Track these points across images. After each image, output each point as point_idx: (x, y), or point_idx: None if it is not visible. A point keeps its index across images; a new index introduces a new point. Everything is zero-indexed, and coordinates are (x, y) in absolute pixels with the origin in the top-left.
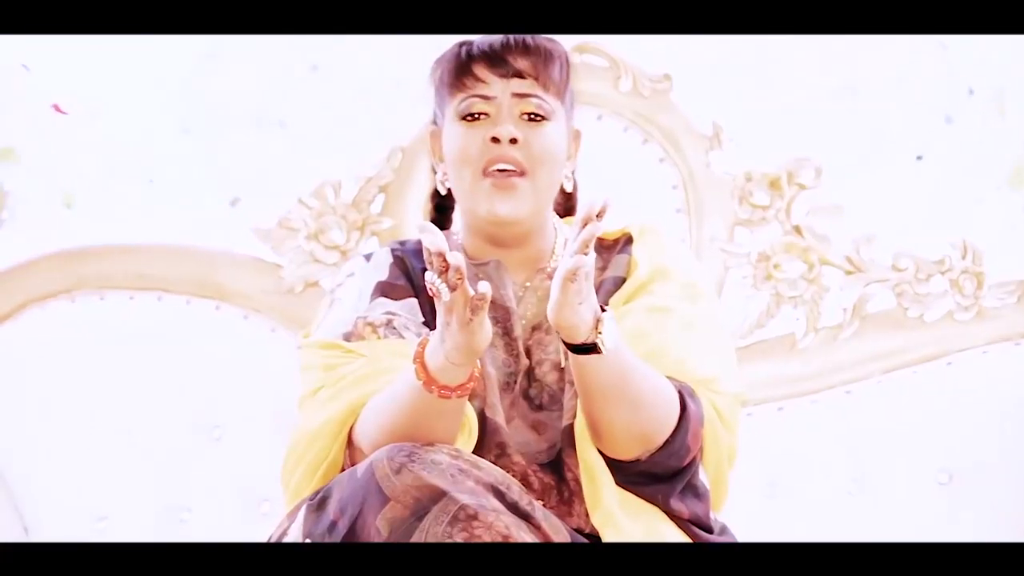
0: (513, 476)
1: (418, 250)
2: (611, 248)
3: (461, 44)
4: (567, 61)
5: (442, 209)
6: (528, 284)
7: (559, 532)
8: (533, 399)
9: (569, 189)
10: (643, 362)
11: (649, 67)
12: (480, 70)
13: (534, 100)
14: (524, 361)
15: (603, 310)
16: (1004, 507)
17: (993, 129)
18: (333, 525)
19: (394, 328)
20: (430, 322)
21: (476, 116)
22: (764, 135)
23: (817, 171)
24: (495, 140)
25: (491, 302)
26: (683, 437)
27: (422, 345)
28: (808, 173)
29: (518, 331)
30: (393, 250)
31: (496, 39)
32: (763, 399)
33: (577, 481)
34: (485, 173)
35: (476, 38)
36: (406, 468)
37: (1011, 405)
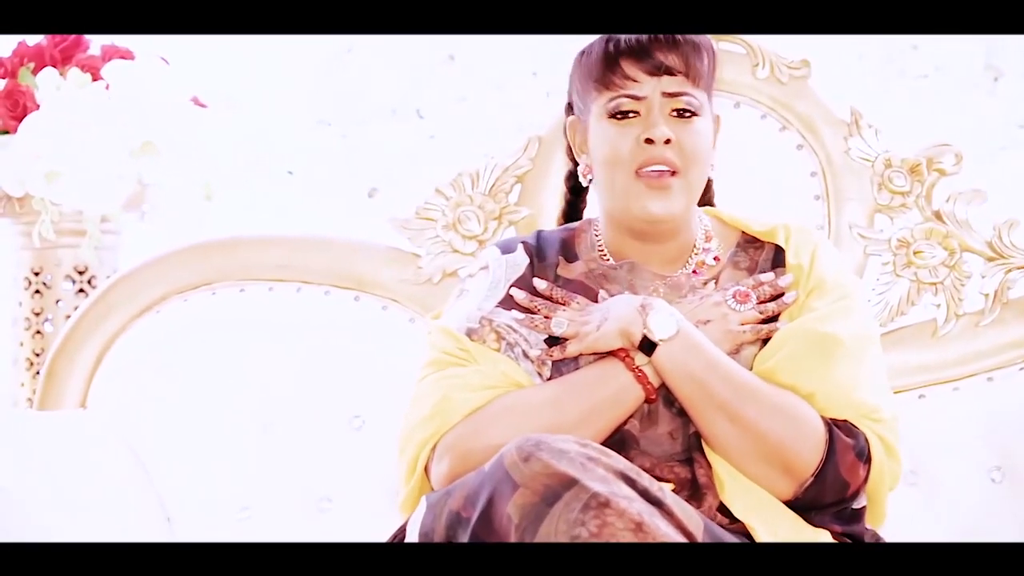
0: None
1: (550, 239)
2: (759, 248)
3: (608, 39)
4: (713, 52)
5: (576, 191)
6: (672, 278)
7: (691, 518)
8: (672, 404)
9: (710, 176)
10: (747, 374)
11: (787, 53)
12: (630, 68)
13: (684, 98)
14: None
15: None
16: None
17: None
18: (459, 517)
19: (512, 349)
20: (549, 337)
21: (627, 115)
22: (903, 121)
23: (957, 156)
24: (649, 141)
25: None
26: (834, 469)
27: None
28: (948, 158)
29: None
30: (527, 248)
31: (643, 36)
32: (904, 387)
33: (708, 477)
34: (639, 174)
35: (616, 35)
36: (535, 456)
37: None
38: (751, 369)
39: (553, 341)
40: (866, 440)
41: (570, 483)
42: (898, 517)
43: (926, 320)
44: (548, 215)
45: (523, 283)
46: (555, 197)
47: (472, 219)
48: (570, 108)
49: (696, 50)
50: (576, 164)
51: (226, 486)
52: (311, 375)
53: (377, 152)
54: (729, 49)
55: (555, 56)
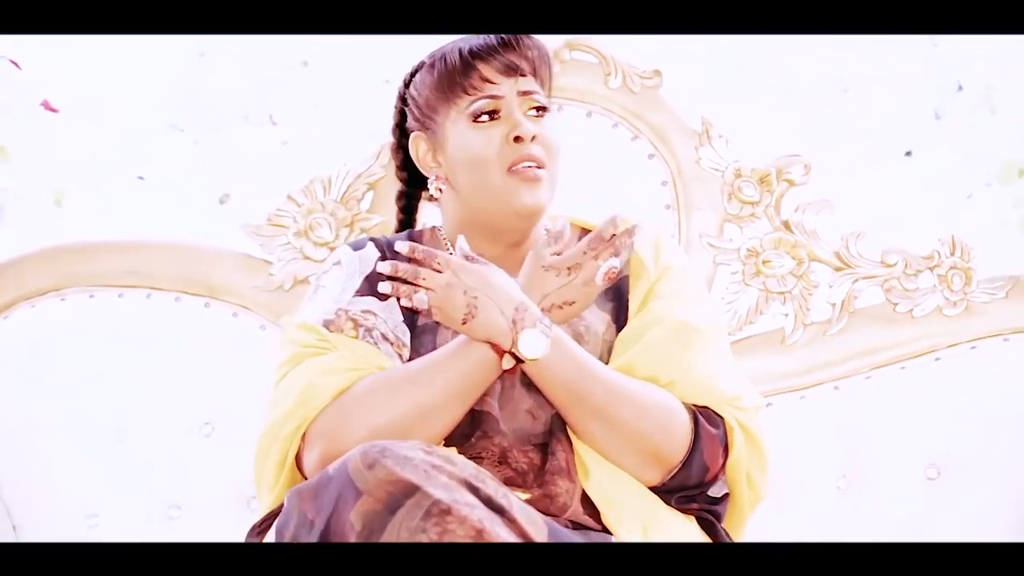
0: (492, 455)
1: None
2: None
3: (458, 46)
4: (549, 57)
5: (408, 210)
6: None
7: (535, 524)
8: (529, 386)
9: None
10: (617, 375)
11: (639, 63)
12: (486, 70)
13: (537, 95)
14: None
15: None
16: (992, 502)
17: (982, 125)
18: (306, 519)
19: (371, 333)
20: (407, 319)
21: (489, 115)
22: (754, 131)
23: (806, 167)
24: (518, 139)
25: None
26: (699, 457)
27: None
28: (797, 169)
29: None
30: (378, 244)
31: (492, 39)
32: None
33: (566, 461)
34: (511, 171)
35: (463, 41)
36: (379, 463)
37: (999, 400)
38: (608, 361)
39: (412, 324)
40: (727, 427)
41: (412, 490)
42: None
43: (774, 329)
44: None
45: (376, 276)
46: None
47: (324, 226)
48: (401, 127)
49: (541, 53)
50: (406, 184)
51: (74, 494)
52: (161, 382)
53: (229, 158)
54: (581, 59)
55: (408, 63)
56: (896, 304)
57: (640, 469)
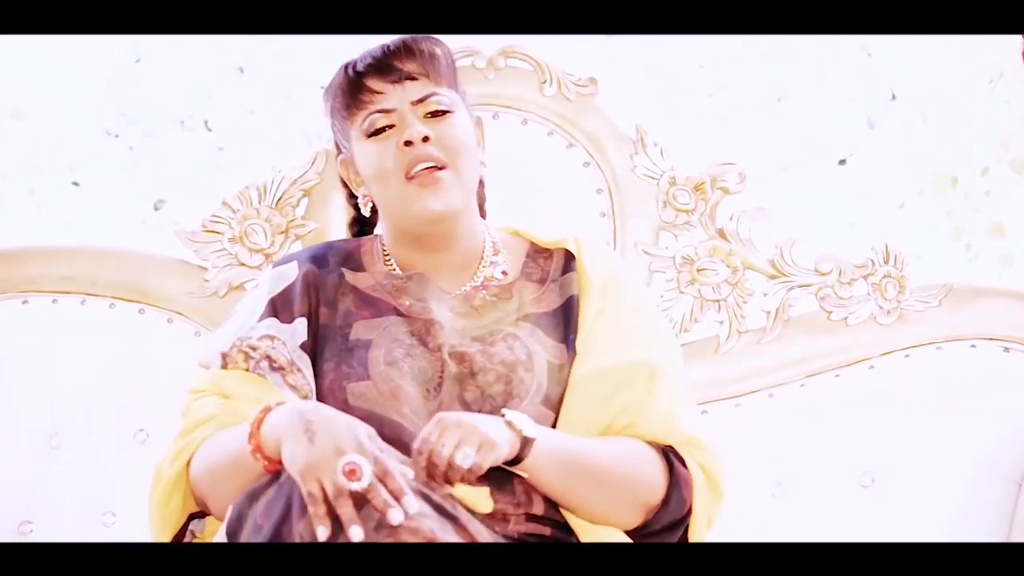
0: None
1: (336, 246)
2: (548, 258)
3: (345, 65)
4: (449, 53)
5: (363, 233)
6: (461, 292)
7: (481, 533)
8: (471, 404)
9: (482, 174)
10: (595, 453)
11: (574, 71)
12: (373, 83)
13: (432, 98)
14: (452, 368)
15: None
16: (926, 509)
17: (915, 134)
18: (257, 525)
19: (259, 365)
20: (310, 343)
21: (383, 129)
22: (688, 139)
23: (741, 175)
24: (409, 144)
25: (408, 315)
26: (679, 493)
27: (264, 413)
28: (732, 177)
29: (441, 339)
30: (312, 257)
31: (376, 49)
32: None
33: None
34: (408, 177)
35: (353, 58)
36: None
37: (932, 408)
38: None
39: (342, 340)
40: (689, 470)
41: (362, 502)
42: None
43: (709, 336)
44: (335, 229)
45: (288, 292)
46: (342, 211)
47: (259, 232)
48: (338, 149)
49: (432, 52)
50: (356, 207)
51: (7, 500)
52: (95, 388)
53: (164, 163)
54: (516, 66)
55: None
56: (830, 312)
57: (625, 519)
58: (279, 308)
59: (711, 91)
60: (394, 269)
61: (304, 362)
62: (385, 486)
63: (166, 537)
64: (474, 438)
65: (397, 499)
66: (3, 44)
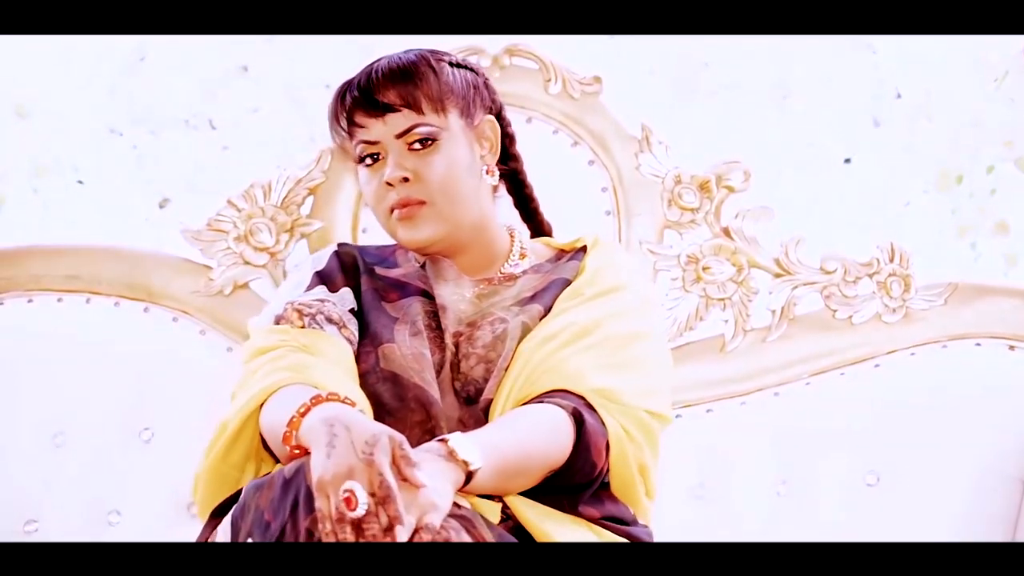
0: None
1: (369, 250)
2: (561, 256)
3: (339, 90)
4: (433, 68)
5: None
6: (474, 279)
7: (487, 535)
8: (459, 392)
9: (494, 182)
10: (513, 426)
11: (579, 69)
12: (359, 116)
13: (416, 130)
14: (451, 354)
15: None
16: (931, 507)
17: (920, 132)
18: (263, 519)
19: (315, 319)
20: (359, 307)
21: (370, 157)
22: (693, 138)
23: (746, 174)
24: (389, 184)
25: (426, 297)
26: (585, 455)
27: (303, 413)
28: (737, 176)
29: (445, 323)
30: (340, 246)
31: (363, 75)
32: (692, 401)
33: None
34: (391, 211)
35: (353, 75)
36: None
37: (938, 407)
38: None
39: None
40: (603, 421)
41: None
42: (685, 528)
43: (714, 335)
44: (340, 228)
45: (332, 268)
46: (347, 210)
47: (264, 231)
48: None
49: (412, 76)
50: None
51: (12, 499)
52: (100, 387)
53: (169, 162)
54: (522, 65)
55: (349, 68)
56: (835, 311)
57: (530, 485)
58: (325, 280)
59: (716, 90)
60: (423, 264)
61: (353, 324)
62: (386, 511)
63: (222, 496)
64: (414, 509)
65: (392, 526)
66: (8, 43)
